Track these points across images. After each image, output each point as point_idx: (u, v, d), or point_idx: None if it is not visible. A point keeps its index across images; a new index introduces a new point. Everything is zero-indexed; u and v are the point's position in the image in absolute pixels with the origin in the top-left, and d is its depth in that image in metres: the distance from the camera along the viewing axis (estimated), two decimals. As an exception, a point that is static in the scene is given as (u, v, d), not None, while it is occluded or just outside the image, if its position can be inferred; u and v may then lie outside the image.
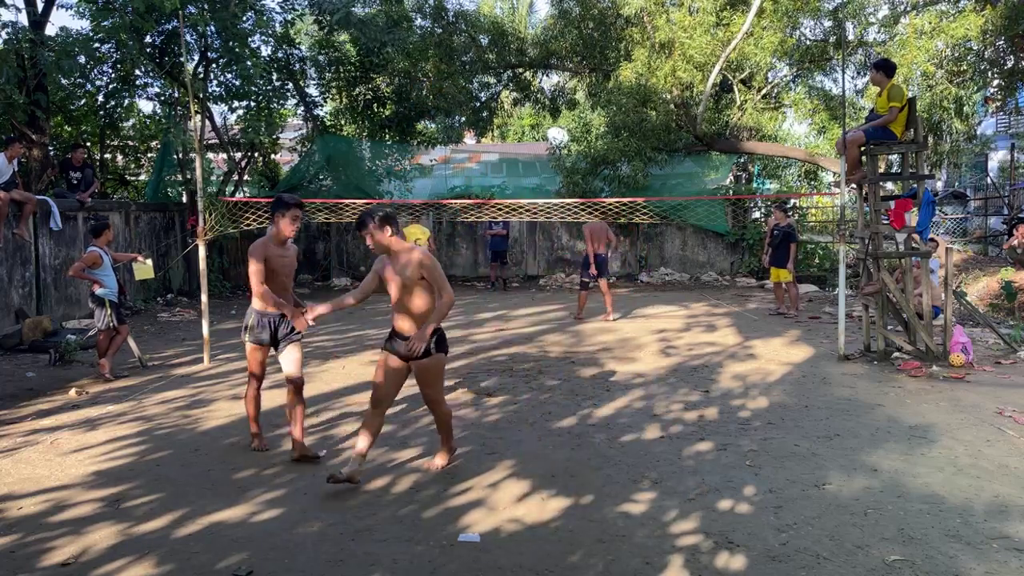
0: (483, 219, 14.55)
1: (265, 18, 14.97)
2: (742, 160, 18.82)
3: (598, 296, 11.78)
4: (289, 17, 16.77)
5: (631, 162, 15.88)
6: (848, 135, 7.97)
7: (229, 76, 15.37)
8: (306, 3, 16.99)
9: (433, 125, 19.91)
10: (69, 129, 15.92)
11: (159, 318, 12.17)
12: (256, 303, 5.01)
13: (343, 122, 19.32)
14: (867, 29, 16.31)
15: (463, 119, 20.05)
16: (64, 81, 13.34)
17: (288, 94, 17.22)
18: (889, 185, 13.22)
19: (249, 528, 3.91)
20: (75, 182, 11.76)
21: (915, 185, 8.05)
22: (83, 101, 15.13)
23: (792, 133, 21.05)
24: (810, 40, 16.87)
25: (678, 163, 17.73)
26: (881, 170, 10.28)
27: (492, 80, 20.56)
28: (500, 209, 13.82)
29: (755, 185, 19.98)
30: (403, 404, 6.39)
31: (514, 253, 18.32)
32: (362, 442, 4.49)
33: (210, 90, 15.48)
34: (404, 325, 4.49)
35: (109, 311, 7.53)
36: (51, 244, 10.89)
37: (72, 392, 6.99)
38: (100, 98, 15.09)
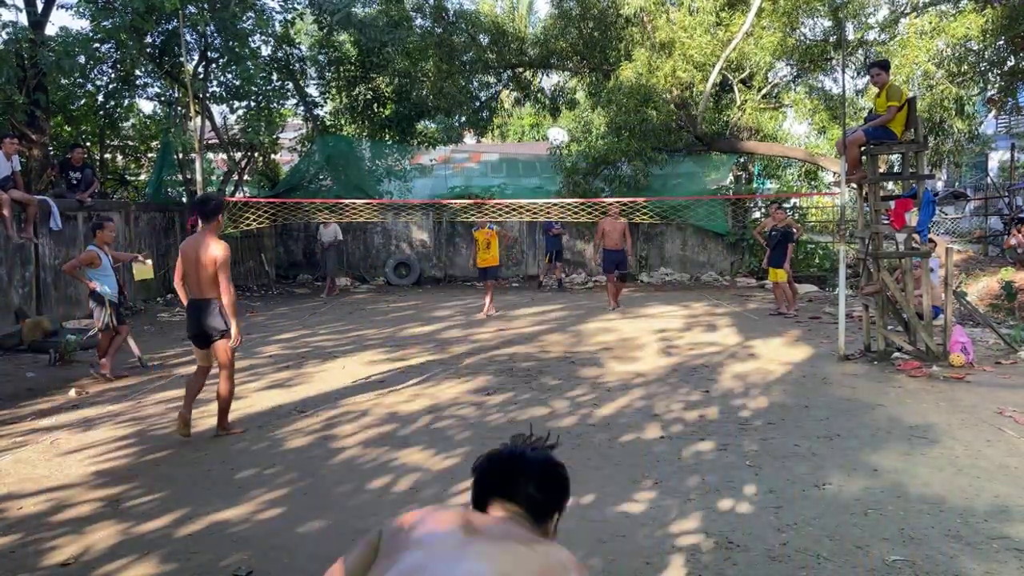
0: (539, 219, 15.46)
1: (265, 18, 14.98)
2: (742, 160, 18.79)
3: (598, 293, 11.75)
4: (289, 17, 16.78)
5: (631, 162, 15.87)
6: (848, 135, 7.97)
7: (229, 76, 15.38)
8: (306, 3, 17.00)
9: (433, 125, 19.91)
10: (69, 129, 15.91)
11: (159, 318, 12.17)
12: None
13: (343, 122, 19.32)
14: (867, 31, 16.31)
15: (463, 119, 20.04)
16: (64, 81, 13.34)
17: (288, 94, 17.23)
18: (889, 185, 13.21)
19: (249, 528, 3.92)
20: (75, 182, 11.75)
21: (915, 185, 8.05)
22: (83, 101, 15.12)
23: (792, 133, 21.01)
24: (810, 40, 16.85)
25: (678, 163, 17.72)
26: (881, 170, 10.28)
27: (492, 80, 20.55)
28: (500, 209, 13.80)
29: (755, 185, 19.96)
30: (403, 401, 6.40)
31: (514, 253, 18.33)
32: None
33: (210, 90, 15.48)
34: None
35: (108, 310, 7.53)
36: (51, 244, 10.88)
37: (72, 392, 6.99)
38: (100, 98, 15.10)
